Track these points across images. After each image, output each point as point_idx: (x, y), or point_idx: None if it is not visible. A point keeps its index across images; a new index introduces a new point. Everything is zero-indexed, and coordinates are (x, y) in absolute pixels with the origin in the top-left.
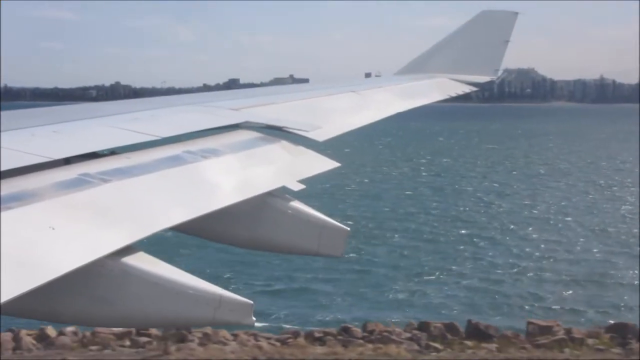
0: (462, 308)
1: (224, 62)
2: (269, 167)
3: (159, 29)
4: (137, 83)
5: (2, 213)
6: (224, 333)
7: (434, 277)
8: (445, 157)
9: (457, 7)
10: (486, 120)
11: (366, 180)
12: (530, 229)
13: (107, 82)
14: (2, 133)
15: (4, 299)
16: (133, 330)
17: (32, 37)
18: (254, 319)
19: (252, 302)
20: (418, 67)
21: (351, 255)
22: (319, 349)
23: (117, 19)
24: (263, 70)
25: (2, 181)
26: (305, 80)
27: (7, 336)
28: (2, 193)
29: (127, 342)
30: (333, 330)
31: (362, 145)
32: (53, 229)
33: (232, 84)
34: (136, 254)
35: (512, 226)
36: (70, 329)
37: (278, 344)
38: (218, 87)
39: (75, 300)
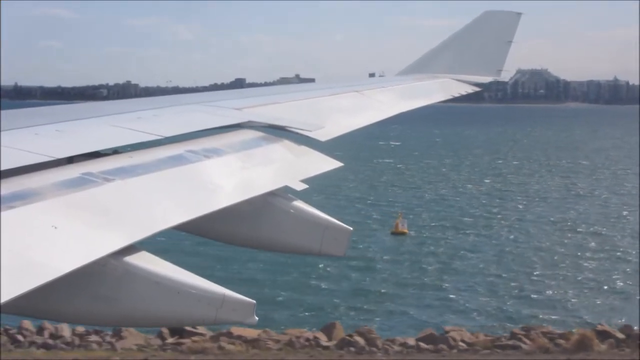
0: None
1: (228, 62)
2: (271, 166)
3: (158, 28)
4: (141, 82)
5: (5, 212)
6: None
7: None
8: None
9: (460, 8)
10: (516, 123)
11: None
12: None
13: (111, 81)
14: (6, 132)
15: (6, 298)
16: None
17: (32, 35)
18: (256, 318)
19: (254, 301)
20: (421, 67)
21: None
22: None
23: (116, 18)
24: (268, 71)
25: (5, 180)
26: (312, 80)
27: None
28: (5, 192)
29: None
30: None
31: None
32: (55, 228)
33: (238, 84)
34: (139, 253)
35: None
36: None
37: None
38: (224, 87)
39: (77, 299)
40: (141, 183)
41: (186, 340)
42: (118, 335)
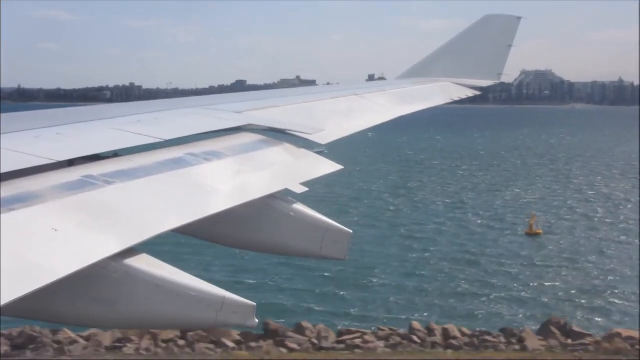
0: None
1: (228, 64)
2: (271, 169)
3: (158, 30)
4: (142, 84)
5: (5, 214)
6: None
7: None
8: None
9: (460, 9)
10: (535, 125)
11: None
12: None
13: (112, 83)
14: (6, 135)
15: (6, 300)
16: None
17: (31, 37)
18: (256, 320)
19: (254, 303)
20: (421, 71)
21: None
22: None
23: (116, 19)
24: (269, 72)
25: (6, 182)
26: (313, 82)
27: None
28: (5, 194)
29: None
30: None
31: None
32: (56, 230)
33: (239, 85)
34: (139, 255)
35: None
36: None
37: None
38: (225, 89)
39: (78, 301)
40: (141, 186)
41: (583, 341)
42: (516, 336)
